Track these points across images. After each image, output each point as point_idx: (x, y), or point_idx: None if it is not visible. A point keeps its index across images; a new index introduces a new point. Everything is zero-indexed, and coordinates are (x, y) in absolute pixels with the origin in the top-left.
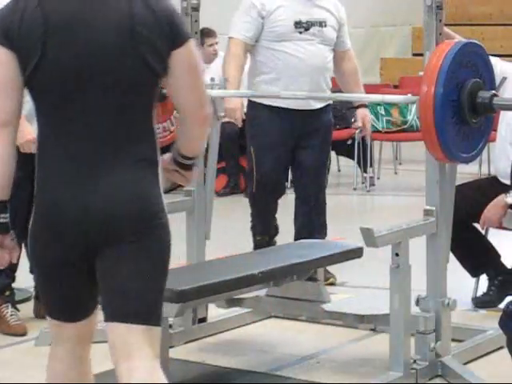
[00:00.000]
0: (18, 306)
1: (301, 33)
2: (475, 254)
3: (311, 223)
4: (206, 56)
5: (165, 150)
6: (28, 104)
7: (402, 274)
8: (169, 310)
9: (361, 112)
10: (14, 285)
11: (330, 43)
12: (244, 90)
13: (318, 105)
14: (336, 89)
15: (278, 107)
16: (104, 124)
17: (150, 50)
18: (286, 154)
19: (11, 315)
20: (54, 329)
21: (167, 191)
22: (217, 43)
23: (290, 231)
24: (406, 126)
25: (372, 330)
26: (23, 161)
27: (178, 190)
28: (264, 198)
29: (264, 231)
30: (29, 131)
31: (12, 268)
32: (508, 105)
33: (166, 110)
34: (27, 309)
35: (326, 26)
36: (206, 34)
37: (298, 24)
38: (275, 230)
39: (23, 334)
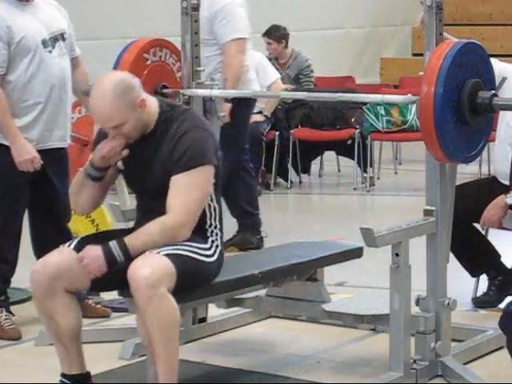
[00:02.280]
0: (18, 306)
1: None
2: (475, 253)
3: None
4: None
5: None
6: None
7: (402, 274)
8: None
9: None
10: (14, 285)
11: None
12: (245, 90)
13: None
14: (339, 88)
15: None
16: None
17: None
18: None
19: (5, 319)
20: None
21: None
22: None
23: (289, 231)
24: (406, 126)
25: (372, 329)
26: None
27: None
28: None
29: None
30: (27, 150)
31: (8, 274)
32: (508, 105)
33: None
34: (27, 309)
35: None
36: None
37: None
38: None
39: (17, 338)
